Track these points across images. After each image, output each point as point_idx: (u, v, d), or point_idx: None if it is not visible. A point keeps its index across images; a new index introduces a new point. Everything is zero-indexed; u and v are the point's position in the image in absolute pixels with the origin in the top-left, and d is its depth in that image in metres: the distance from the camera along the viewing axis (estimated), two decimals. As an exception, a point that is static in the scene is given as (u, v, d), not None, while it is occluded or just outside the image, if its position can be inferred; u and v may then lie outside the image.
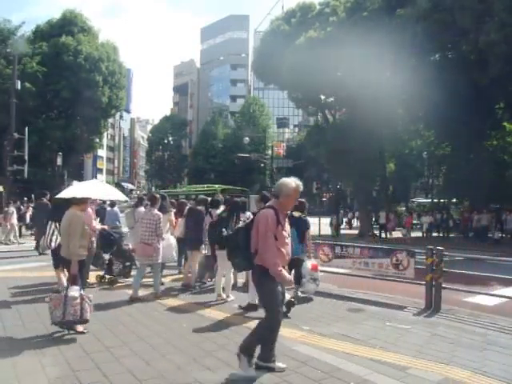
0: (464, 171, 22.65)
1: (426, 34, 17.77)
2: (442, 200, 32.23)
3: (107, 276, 7.84)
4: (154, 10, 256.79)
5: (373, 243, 13.87)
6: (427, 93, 17.93)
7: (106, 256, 8.01)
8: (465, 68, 18.31)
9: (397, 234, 24.37)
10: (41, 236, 6.88)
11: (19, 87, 18.77)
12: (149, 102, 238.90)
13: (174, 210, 9.09)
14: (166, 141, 69.11)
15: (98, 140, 39.49)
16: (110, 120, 49.48)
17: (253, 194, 25.14)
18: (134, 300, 6.50)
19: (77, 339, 4.68)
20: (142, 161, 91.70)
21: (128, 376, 3.73)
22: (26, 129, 17.48)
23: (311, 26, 23.55)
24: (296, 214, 6.64)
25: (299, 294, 6.63)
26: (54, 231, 6.55)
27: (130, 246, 8.25)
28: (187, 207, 8.44)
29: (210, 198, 8.02)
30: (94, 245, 7.30)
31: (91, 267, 7.61)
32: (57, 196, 6.33)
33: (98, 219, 8.14)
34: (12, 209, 16.08)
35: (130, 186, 77.82)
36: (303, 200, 7.52)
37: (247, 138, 38.11)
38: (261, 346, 3.90)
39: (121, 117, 72.22)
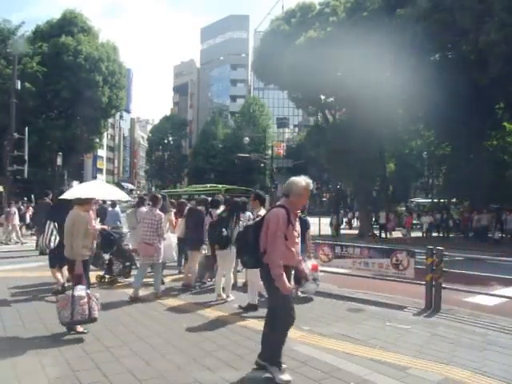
0: (464, 171, 22.65)
1: (426, 34, 17.77)
2: (441, 200, 32.23)
3: (107, 276, 7.85)
4: (154, 10, 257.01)
5: (373, 243, 13.88)
6: (427, 93, 17.93)
7: (106, 256, 8.02)
8: (465, 68, 18.31)
9: (397, 234, 24.37)
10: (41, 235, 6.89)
11: (19, 87, 18.77)
12: (149, 101, 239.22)
13: (174, 210, 9.10)
14: (166, 141, 69.11)
15: (98, 140, 39.49)
16: (110, 120, 49.49)
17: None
18: (134, 300, 6.51)
19: (77, 339, 4.68)
20: (142, 161, 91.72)
21: (128, 376, 3.73)
22: (26, 129, 17.48)
23: (311, 25, 23.55)
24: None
25: (299, 294, 6.63)
26: (52, 231, 6.57)
27: (130, 246, 8.26)
28: (187, 207, 8.44)
29: (210, 198, 8.04)
30: (94, 245, 7.31)
31: (91, 267, 7.60)
32: (60, 197, 6.34)
33: (99, 219, 8.15)
34: (14, 209, 16.11)
35: (130, 186, 77.85)
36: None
37: (247, 138, 38.10)
38: (262, 344, 3.90)
39: (121, 117, 72.27)
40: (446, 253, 6.50)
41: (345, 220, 33.56)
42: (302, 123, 70.66)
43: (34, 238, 13.39)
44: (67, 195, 6.12)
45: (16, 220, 15.90)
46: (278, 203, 3.85)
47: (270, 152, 39.48)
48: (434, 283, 6.33)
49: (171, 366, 3.98)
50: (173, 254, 8.44)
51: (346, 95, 23.34)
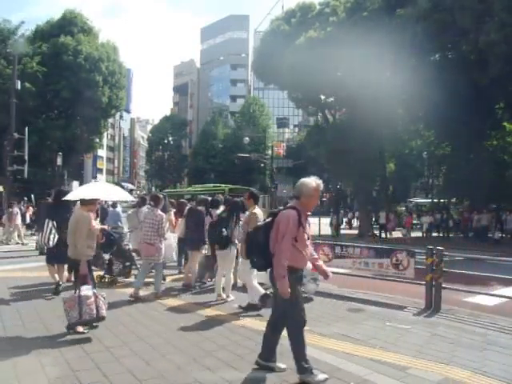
0: (464, 171, 22.65)
1: (426, 34, 17.77)
2: (441, 200, 32.23)
3: (107, 276, 7.85)
4: (154, 10, 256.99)
5: (373, 243, 13.87)
6: (427, 93, 17.93)
7: (106, 256, 8.02)
8: (465, 68, 18.30)
9: (397, 234, 24.37)
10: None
11: (19, 87, 18.77)
12: (149, 101, 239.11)
13: (174, 210, 9.11)
14: (166, 141, 69.09)
15: (98, 140, 39.48)
16: (110, 120, 49.47)
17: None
18: (134, 297, 6.53)
19: (77, 339, 4.68)
20: (142, 161, 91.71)
21: (128, 376, 3.73)
22: (26, 129, 17.50)
23: (311, 25, 23.56)
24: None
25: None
26: (51, 230, 6.61)
27: (131, 246, 8.26)
28: (187, 207, 8.45)
29: (210, 198, 8.04)
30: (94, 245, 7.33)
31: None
32: (65, 198, 6.40)
33: (99, 219, 8.14)
34: (16, 209, 16.13)
35: (130, 186, 77.74)
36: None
37: (247, 138, 38.10)
38: (263, 344, 3.89)
39: (121, 117, 72.24)
40: (446, 253, 6.50)
41: (345, 220, 33.56)
42: (302, 123, 70.65)
43: (35, 237, 13.40)
44: (72, 196, 6.16)
45: (18, 220, 15.92)
46: (289, 205, 3.80)
47: (270, 152, 39.48)
48: (434, 283, 6.33)
49: (171, 365, 3.98)
50: (172, 254, 8.44)
51: (346, 95, 23.34)
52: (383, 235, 24.36)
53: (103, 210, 9.61)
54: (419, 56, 18.99)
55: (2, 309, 5.94)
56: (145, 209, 8.00)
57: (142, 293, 6.77)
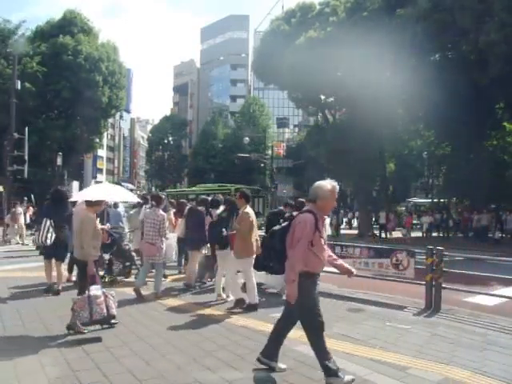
0: (464, 171, 22.65)
1: (426, 34, 17.76)
2: (441, 200, 32.24)
3: (107, 276, 7.85)
4: (154, 10, 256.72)
5: (373, 243, 13.87)
6: (427, 93, 17.93)
7: (106, 256, 8.01)
8: (465, 68, 18.30)
9: (397, 234, 24.38)
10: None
11: (19, 87, 18.73)
12: (149, 101, 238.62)
13: (174, 210, 9.10)
14: (166, 141, 69.01)
15: (98, 140, 39.41)
16: (110, 120, 49.39)
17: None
18: (137, 291, 6.63)
19: (77, 339, 4.68)
20: (142, 161, 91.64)
21: (128, 376, 3.73)
22: (26, 129, 17.45)
23: (311, 25, 23.56)
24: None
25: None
26: (49, 228, 6.65)
27: (131, 246, 8.26)
28: (187, 207, 8.45)
29: (210, 198, 8.04)
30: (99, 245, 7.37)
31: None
32: (71, 199, 6.47)
33: (99, 219, 8.13)
34: (20, 209, 16.16)
35: (130, 186, 77.66)
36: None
37: (247, 138, 38.09)
38: (268, 341, 3.89)
39: (121, 117, 72.14)
40: (446, 253, 6.50)
41: (345, 220, 33.57)
42: (302, 123, 70.58)
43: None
44: (77, 198, 6.18)
45: (22, 220, 15.95)
46: (305, 208, 3.75)
47: (270, 152, 39.50)
48: (434, 283, 6.33)
49: (171, 365, 3.98)
50: (172, 254, 8.44)
51: (346, 95, 23.34)
52: (383, 235, 24.36)
53: (103, 210, 9.59)
54: (419, 56, 18.99)
55: (2, 309, 5.94)
56: (145, 208, 8.00)
57: (142, 292, 6.77)
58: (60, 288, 6.89)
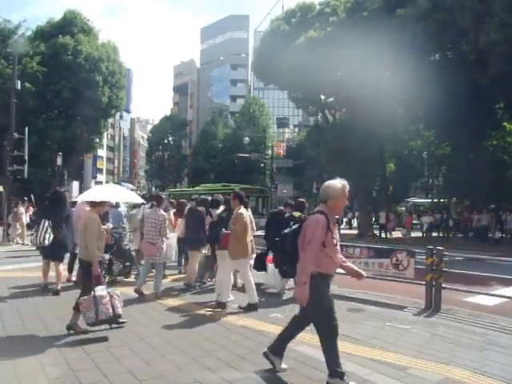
0: (464, 171, 22.65)
1: (426, 34, 17.76)
2: (441, 200, 32.25)
3: (107, 276, 7.84)
4: (154, 10, 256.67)
5: (373, 243, 13.87)
6: (427, 93, 17.93)
7: (106, 256, 8.00)
8: (465, 68, 18.30)
9: (397, 234, 24.38)
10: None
11: (19, 87, 18.72)
12: (149, 101, 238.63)
13: (174, 210, 9.10)
14: (166, 141, 69.01)
15: (98, 140, 39.42)
16: (110, 120, 49.38)
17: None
18: (137, 292, 6.65)
19: (77, 339, 4.68)
20: (142, 161, 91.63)
21: (128, 376, 3.73)
22: (26, 129, 17.44)
23: (311, 26, 23.55)
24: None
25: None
26: (47, 229, 6.67)
27: (131, 246, 8.26)
28: (187, 207, 8.46)
29: (210, 198, 8.05)
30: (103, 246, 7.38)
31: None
32: (73, 200, 6.49)
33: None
34: (22, 209, 16.17)
35: (130, 186, 77.69)
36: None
37: (247, 138, 38.09)
38: (278, 337, 3.89)
39: (121, 117, 72.13)
40: (446, 253, 6.50)
41: (345, 220, 33.54)
42: (302, 123, 70.57)
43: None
44: (81, 198, 6.19)
45: (23, 219, 15.97)
46: (316, 209, 3.68)
47: (270, 152, 39.51)
48: (434, 283, 6.33)
49: (171, 365, 3.98)
50: (172, 254, 8.45)
51: (346, 95, 23.34)
52: (383, 235, 24.36)
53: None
54: (419, 56, 18.99)
55: (2, 309, 5.95)
56: (144, 208, 8.00)
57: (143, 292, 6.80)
58: (59, 288, 6.89)
